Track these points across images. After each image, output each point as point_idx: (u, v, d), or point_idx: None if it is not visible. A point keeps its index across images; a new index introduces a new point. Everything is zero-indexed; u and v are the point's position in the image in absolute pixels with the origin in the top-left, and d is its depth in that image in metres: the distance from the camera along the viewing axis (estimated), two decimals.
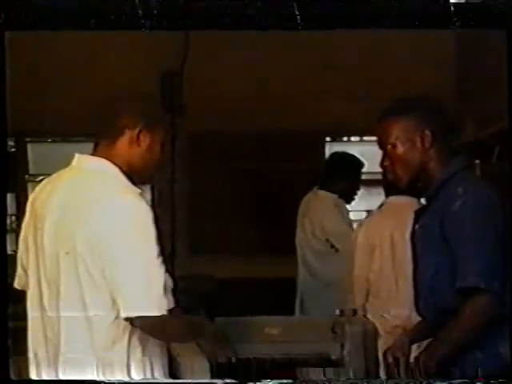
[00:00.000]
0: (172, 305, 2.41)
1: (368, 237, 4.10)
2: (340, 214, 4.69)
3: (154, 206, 6.79)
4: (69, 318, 2.42)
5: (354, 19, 2.39)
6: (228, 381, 2.50)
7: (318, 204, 4.73)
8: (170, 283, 2.43)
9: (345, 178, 4.72)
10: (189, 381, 2.50)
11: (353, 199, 4.88)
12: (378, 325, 3.75)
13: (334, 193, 4.69)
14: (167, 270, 2.45)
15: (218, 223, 6.17)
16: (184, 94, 6.13)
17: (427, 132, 2.54)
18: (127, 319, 2.38)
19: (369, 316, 3.96)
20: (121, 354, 2.43)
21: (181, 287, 3.90)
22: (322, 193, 4.72)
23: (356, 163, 4.78)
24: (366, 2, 2.35)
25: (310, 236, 4.74)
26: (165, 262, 2.51)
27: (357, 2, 2.36)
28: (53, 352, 2.46)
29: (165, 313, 2.38)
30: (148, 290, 2.37)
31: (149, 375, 2.46)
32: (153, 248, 2.39)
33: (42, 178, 2.69)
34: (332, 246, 4.70)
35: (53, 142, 6.30)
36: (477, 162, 5.12)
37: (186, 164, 6.27)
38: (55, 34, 2.50)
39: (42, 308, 2.48)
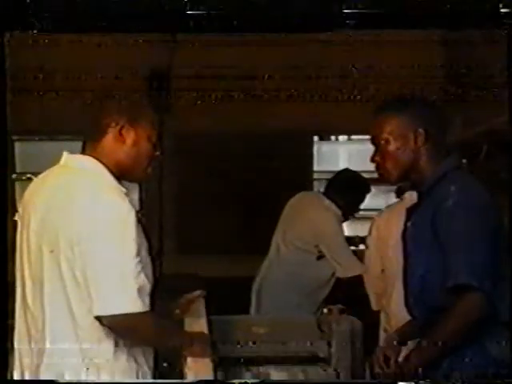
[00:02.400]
0: (146, 308, 2.39)
1: (379, 233, 4.12)
2: (341, 230, 4.69)
3: (141, 205, 6.76)
4: (53, 316, 2.41)
5: (345, 19, 2.39)
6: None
7: (319, 210, 4.70)
8: (148, 287, 2.41)
9: (350, 196, 4.74)
10: (178, 381, 2.48)
11: (348, 219, 4.88)
12: (394, 322, 3.75)
13: (335, 203, 4.69)
14: (147, 271, 2.44)
15: (205, 222, 6.16)
16: (172, 93, 6.12)
17: (421, 130, 2.54)
18: (97, 318, 2.37)
19: (387, 313, 3.99)
20: (106, 355, 2.41)
21: (168, 286, 3.88)
22: (327, 202, 4.69)
23: (366, 187, 4.81)
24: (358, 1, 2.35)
25: (296, 235, 4.71)
26: (152, 262, 2.50)
27: (346, 2, 2.36)
28: (36, 350, 2.44)
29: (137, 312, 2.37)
30: (121, 291, 2.36)
31: (134, 373, 2.44)
32: (130, 248, 2.37)
33: (28, 176, 2.69)
34: (319, 253, 4.69)
35: (40, 140, 6.27)
36: (464, 161, 5.13)
37: (174, 163, 6.26)
38: (43, 34, 2.49)
39: (26, 305, 2.47)
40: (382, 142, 2.55)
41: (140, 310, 2.37)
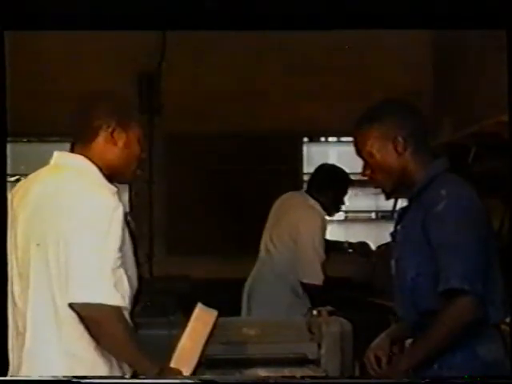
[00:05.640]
0: (123, 304, 2.38)
1: None
2: (319, 233, 4.60)
3: (131, 206, 6.72)
4: (36, 310, 2.40)
5: (336, 19, 2.39)
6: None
7: (303, 209, 4.65)
8: (127, 286, 2.40)
9: (335, 190, 4.72)
10: (175, 381, 2.44)
11: (337, 212, 4.86)
12: None
13: (321, 203, 4.65)
14: (131, 272, 2.43)
15: (195, 224, 6.16)
16: (162, 94, 6.12)
17: (399, 138, 2.56)
18: (70, 306, 2.36)
19: None
20: (88, 349, 2.40)
21: (157, 287, 3.87)
22: (312, 202, 4.65)
23: (345, 178, 4.79)
24: (352, 1, 2.35)
25: (282, 236, 4.68)
26: (137, 264, 2.51)
27: (339, 2, 2.35)
28: (21, 345, 2.43)
29: (111, 305, 2.35)
30: (97, 280, 2.36)
31: (116, 371, 2.43)
32: (113, 242, 2.38)
33: (17, 177, 2.68)
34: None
35: (28, 142, 6.26)
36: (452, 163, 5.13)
37: (164, 165, 6.25)
38: (30, 33, 2.49)
39: (14, 303, 2.46)
40: (367, 155, 2.58)
41: (114, 303, 2.36)
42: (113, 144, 2.52)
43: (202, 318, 2.56)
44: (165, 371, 2.41)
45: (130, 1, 2.38)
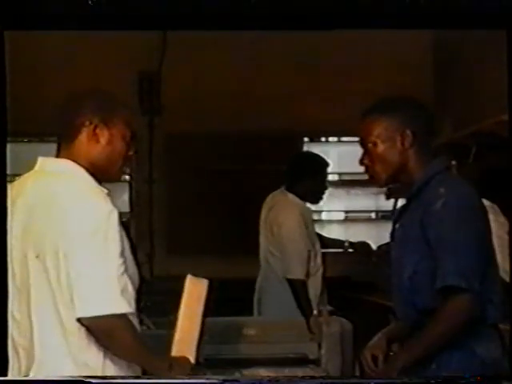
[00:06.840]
0: (130, 309, 2.38)
1: None
2: (299, 228, 4.51)
3: (131, 206, 6.69)
4: (42, 323, 2.38)
5: (336, 19, 2.39)
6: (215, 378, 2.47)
7: (281, 207, 4.57)
8: (131, 288, 2.40)
9: (310, 178, 4.60)
10: (184, 381, 2.44)
11: (320, 199, 4.73)
12: None
13: (300, 195, 4.57)
14: (131, 272, 2.42)
15: (195, 224, 6.15)
16: (162, 94, 6.12)
17: (408, 132, 2.55)
18: (79, 320, 2.35)
19: None
20: (97, 356, 2.39)
21: (157, 287, 3.87)
22: (290, 196, 4.57)
23: (321, 162, 4.71)
24: (352, 1, 2.35)
25: (274, 239, 4.64)
26: (137, 263, 2.49)
27: (339, 2, 2.36)
28: (25, 357, 2.41)
29: (119, 314, 2.34)
30: (103, 292, 2.34)
31: (125, 373, 2.43)
32: (113, 249, 2.36)
33: (18, 178, 2.66)
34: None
35: (29, 142, 6.25)
36: (453, 162, 5.13)
37: (164, 165, 6.25)
38: (30, 33, 2.49)
39: (12, 314, 2.41)
40: (370, 144, 2.57)
41: (123, 312, 2.35)
42: (95, 141, 2.47)
43: (194, 292, 2.53)
44: (173, 365, 2.40)
45: (130, 1, 2.38)
